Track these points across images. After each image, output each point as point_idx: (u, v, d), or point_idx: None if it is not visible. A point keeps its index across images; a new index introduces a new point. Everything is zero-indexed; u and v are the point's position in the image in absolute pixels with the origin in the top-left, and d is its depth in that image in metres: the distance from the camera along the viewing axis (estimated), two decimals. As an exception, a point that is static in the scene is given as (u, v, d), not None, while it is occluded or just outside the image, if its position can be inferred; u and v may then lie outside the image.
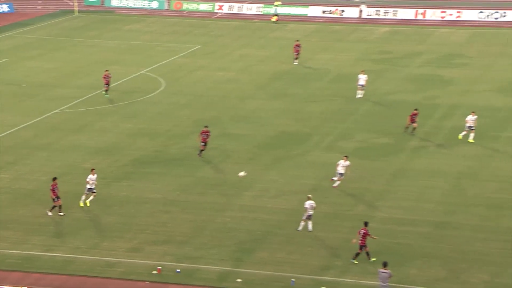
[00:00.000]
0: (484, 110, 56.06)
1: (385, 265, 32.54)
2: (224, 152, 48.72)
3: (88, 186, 41.09)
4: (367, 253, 35.26)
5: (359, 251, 35.34)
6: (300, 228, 38.42)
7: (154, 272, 34.67)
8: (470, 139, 49.87)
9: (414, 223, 39.22)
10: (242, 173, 43.24)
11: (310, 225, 38.38)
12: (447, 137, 51.00)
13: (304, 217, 38.47)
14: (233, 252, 36.50)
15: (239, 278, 34.25)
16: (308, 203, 38.38)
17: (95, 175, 41.39)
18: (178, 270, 34.76)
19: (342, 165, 43.16)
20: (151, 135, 52.35)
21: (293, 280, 33.85)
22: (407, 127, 51.71)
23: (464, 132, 50.14)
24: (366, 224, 35.70)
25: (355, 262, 35.09)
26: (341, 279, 34.10)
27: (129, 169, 46.13)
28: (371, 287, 33.03)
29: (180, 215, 40.33)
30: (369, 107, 58.07)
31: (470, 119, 50.14)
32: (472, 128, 50.00)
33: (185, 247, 36.98)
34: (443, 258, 35.80)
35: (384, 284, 32.14)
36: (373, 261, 34.68)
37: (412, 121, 51.15)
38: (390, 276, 32.24)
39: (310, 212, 38.35)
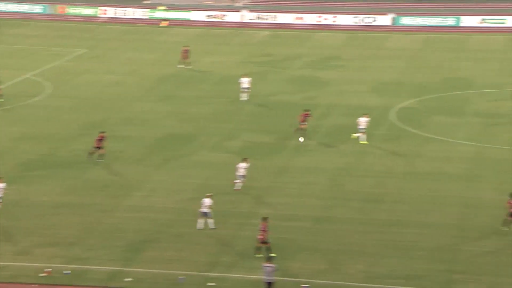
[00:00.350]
0: (359, 110, 57.25)
1: (269, 259, 32.91)
2: (112, 153, 48.25)
3: None
4: (267, 249, 35.45)
5: (260, 245, 35.56)
6: (200, 226, 38.41)
7: (43, 274, 34.07)
8: (362, 141, 50.52)
9: (296, 218, 39.80)
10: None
11: (210, 223, 38.41)
12: (325, 135, 51.89)
13: (201, 215, 38.52)
14: (122, 252, 36.22)
15: (129, 277, 34.02)
16: (205, 201, 38.52)
17: (4, 184, 40.26)
18: (67, 272, 34.25)
19: (242, 167, 43.29)
20: (37, 138, 51.36)
21: (182, 277, 33.86)
22: (298, 129, 51.62)
23: (358, 134, 50.73)
24: (264, 219, 36.01)
25: (259, 256, 35.25)
26: (228, 274, 34.31)
27: (15, 173, 45.11)
28: (257, 282, 33.36)
29: (69, 217, 39.73)
30: (252, 108, 58.57)
31: (362, 121, 50.85)
32: (363, 129, 50.53)
33: (74, 249, 36.47)
34: (324, 251, 36.47)
35: (269, 278, 32.52)
36: (273, 256, 34.84)
37: (303, 121, 51.36)
38: (275, 270, 32.62)
39: (206, 210, 38.42)
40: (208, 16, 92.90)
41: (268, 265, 32.63)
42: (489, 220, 39.16)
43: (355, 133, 50.57)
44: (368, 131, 50.96)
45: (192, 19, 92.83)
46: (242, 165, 43.35)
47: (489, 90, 62.07)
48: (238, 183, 43.24)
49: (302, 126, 51.21)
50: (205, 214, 38.49)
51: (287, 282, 33.52)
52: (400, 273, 34.43)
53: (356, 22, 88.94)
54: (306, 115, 51.59)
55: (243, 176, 43.31)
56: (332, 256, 35.98)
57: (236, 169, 43.32)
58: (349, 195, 42.81)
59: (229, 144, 50.79)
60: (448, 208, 40.81)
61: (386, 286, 33.45)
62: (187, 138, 51.95)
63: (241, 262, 35.27)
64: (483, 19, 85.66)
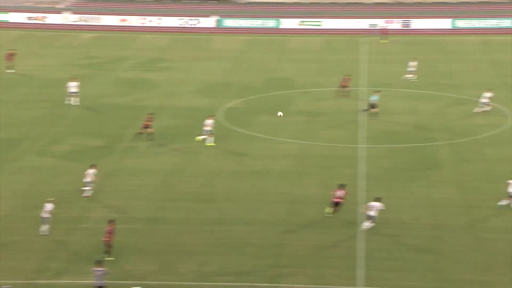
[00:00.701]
0: (187, 111, 57.62)
1: (99, 263, 32.52)
2: None
3: None
4: (106, 252, 34.93)
5: (107, 248, 35.06)
6: (43, 231, 37.48)
7: None
8: (209, 143, 50.52)
9: (127, 220, 39.48)
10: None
11: (45, 229, 37.47)
12: (155, 137, 51.71)
13: (42, 221, 37.63)
14: None
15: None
16: (46, 206, 37.58)
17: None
18: None
19: (90, 174, 42.31)
20: None
21: (9, 286, 32.81)
22: (141, 133, 51.13)
23: (204, 136, 50.67)
24: (110, 222, 35.46)
25: (110, 258, 34.65)
26: (57, 281, 33.61)
27: None
28: (87, 286, 32.85)
29: None
30: (80, 111, 57.56)
31: (208, 123, 50.84)
32: (211, 132, 50.47)
33: None
34: (156, 252, 36.41)
35: (100, 282, 32.11)
36: (109, 259, 34.33)
37: (146, 126, 50.67)
38: (106, 274, 32.26)
39: (46, 215, 37.52)
40: (29, 18, 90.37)
41: (98, 269, 32.23)
42: (314, 214, 40.35)
43: (199, 136, 50.65)
44: (196, 132, 51.27)
45: (11, 20, 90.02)
46: (90, 171, 42.51)
47: (310, 90, 63.92)
48: (87, 190, 42.39)
49: (146, 130, 50.77)
50: (45, 219, 37.58)
51: (119, 285, 33.24)
52: (231, 270, 34.91)
53: (181, 24, 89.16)
54: (150, 119, 51.21)
55: (91, 183, 42.49)
56: (164, 256, 35.98)
57: (84, 176, 42.42)
58: (180, 196, 42.92)
59: (56, 148, 49.72)
60: (275, 205, 41.73)
61: (217, 283, 33.85)
62: (11, 143, 50.43)
63: (71, 268, 34.65)
64: (302, 21, 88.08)
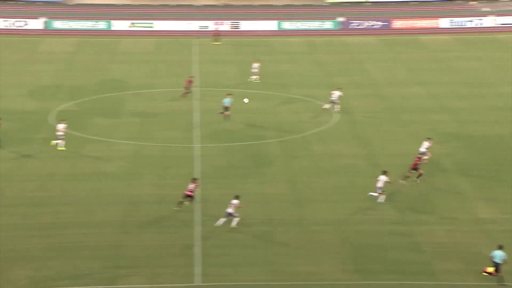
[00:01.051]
0: (17, 114, 56.14)
1: None
2: None
3: None
4: None
5: None
6: None
7: None
8: (60, 147, 49.21)
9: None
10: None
11: None
12: (-17, 142, 50.11)
13: None
14: None
15: None
16: None
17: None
18: None
19: None
20: None
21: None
22: None
23: (57, 141, 49.36)
24: None
25: None
26: None
27: None
28: None
29: None
30: None
31: (59, 128, 49.37)
32: (61, 136, 49.19)
33: None
34: (-12, 259, 35.30)
35: None
36: None
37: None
38: None
39: None
40: None
41: None
42: (150, 214, 40.33)
43: (53, 140, 49.28)
44: (28, 136, 50.02)
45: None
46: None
47: (143, 91, 63.72)
48: None
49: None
50: None
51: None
52: (67, 274, 34.35)
53: (6, 26, 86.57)
54: None
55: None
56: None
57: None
58: (11, 201, 41.75)
59: None
60: (111, 206, 41.37)
61: (53, 288, 33.31)
62: None
63: None
64: (132, 23, 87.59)
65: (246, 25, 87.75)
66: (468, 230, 38.69)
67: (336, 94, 57.61)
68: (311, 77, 68.15)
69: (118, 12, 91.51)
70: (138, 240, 37.57)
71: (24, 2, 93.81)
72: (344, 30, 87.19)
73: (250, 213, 40.36)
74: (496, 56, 75.83)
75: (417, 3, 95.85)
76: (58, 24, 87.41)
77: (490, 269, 33.39)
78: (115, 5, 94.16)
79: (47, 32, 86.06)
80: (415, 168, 43.46)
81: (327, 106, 57.40)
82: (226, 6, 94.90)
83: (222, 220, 38.60)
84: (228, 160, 48.21)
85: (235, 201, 38.63)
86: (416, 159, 43.69)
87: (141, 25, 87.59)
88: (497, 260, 33.36)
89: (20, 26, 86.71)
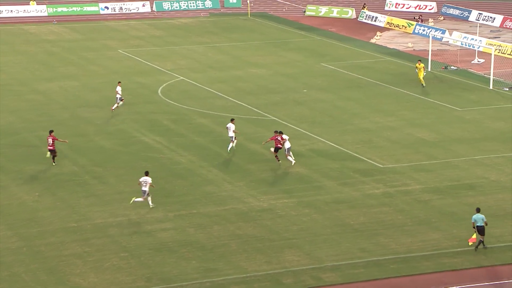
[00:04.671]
0: None
1: None
2: None
3: None
4: None
5: None
6: None
7: None
8: None
9: None
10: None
11: None
12: None
13: None
14: None
15: None
16: None
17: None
18: None
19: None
20: None
21: None
22: None
23: None
24: None
25: None
26: None
27: None
28: None
29: None
30: None
31: None
32: None
33: None
34: None
35: None
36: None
37: None
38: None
39: None
40: None
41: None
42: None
43: None
44: None
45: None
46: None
47: None
48: None
49: None
50: None
51: None
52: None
53: None
54: None
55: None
56: None
57: None
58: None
59: None
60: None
61: None
62: None
63: None
64: None
65: None
66: None
67: (119, 89, 51.72)
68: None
69: None
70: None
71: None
72: None
73: None
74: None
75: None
76: None
77: (474, 236, 32.18)
78: None
79: None
80: None
81: (117, 104, 51.70)
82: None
83: (139, 199, 36.72)
84: None
85: (146, 178, 36.55)
86: None
87: None
88: (480, 223, 32.60)
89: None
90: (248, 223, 35.75)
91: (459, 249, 33.34)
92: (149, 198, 37.34)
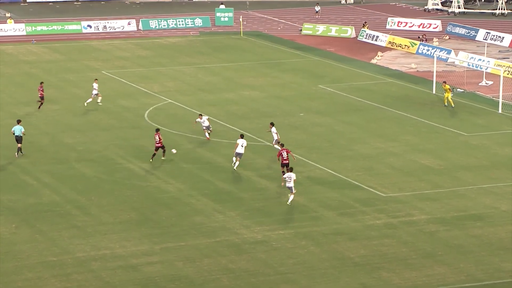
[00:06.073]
0: None
1: None
2: None
3: None
4: None
5: None
6: None
7: None
8: None
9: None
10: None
11: None
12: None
13: None
14: None
15: None
16: None
17: None
18: None
19: None
20: None
21: None
22: None
23: None
24: None
25: None
26: None
27: None
28: None
29: None
30: None
31: None
32: None
33: None
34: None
35: None
36: None
37: None
38: None
39: None
40: None
41: None
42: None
43: None
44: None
45: None
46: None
47: None
48: None
49: None
50: None
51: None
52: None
53: None
54: None
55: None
56: None
57: None
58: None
59: None
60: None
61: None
62: None
63: None
64: None
65: None
66: None
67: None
68: None
69: None
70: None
71: None
72: None
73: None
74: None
75: None
76: None
77: None
78: None
79: None
80: None
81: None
82: None
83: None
84: None
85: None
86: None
87: None
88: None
89: None
90: (241, 256, 35.70)
91: (466, 285, 33.33)
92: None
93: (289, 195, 41.17)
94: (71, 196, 42.45)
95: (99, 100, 58.48)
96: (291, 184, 40.72)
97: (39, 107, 57.94)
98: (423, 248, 36.50)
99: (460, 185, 44.06)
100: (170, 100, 61.22)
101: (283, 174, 43.23)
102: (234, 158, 46.19)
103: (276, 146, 47.46)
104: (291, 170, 41.28)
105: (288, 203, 41.11)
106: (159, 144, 47.03)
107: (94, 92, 58.01)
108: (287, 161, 43.79)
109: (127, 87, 65.34)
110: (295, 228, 38.54)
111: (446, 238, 37.50)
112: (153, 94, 62.82)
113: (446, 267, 34.66)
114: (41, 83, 58.86)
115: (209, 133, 51.00)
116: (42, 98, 57.90)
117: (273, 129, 48.18)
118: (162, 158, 47.39)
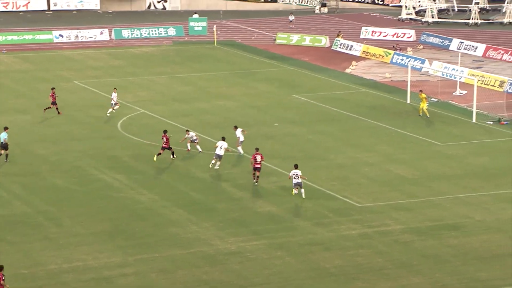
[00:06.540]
0: None
1: None
2: None
3: None
4: None
5: None
6: None
7: None
8: None
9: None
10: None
11: None
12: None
13: None
14: None
15: None
16: None
17: None
18: None
19: None
20: None
21: None
22: None
23: None
24: None
25: None
26: None
27: None
28: None
29: None
30: None
31: None
32: None
33: None
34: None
35: None
36: None
37: None
38: None
39: None
40: None
41: None
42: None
43: None
44: None
45: None
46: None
47: None
48: None
49: None
50: None
51: None
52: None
53: None
54: None
55: None
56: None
57: None
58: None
59: None
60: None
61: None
62: None
63: None
64: None
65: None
66: None
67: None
68: None
69: None
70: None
71: None
72: None
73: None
74: None
75: None
76: None
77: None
78: None
79: None
80: None
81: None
82: None
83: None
84: None
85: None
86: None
87: None
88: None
89: None
90: (215, 267, 35.68)
91: (442, 294, 33.47)
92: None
93: (297, 191, 43.00)
94: (43, 208, 42.26)
95: (115, 109, 58.85)
96: (298, 180, 42.51)
97: (58, 111, 58.57)
98: (398, 258, 36.66)
99: (434, 195, 44.33)
100: (143, 110, 61.12)
101: (253, 177, 44.46)
102: (213, 160, 46.80)
103: (239, 148, 48.60)
104: (296, 167, 42.92)
105: (303, 197, 42.90)
106: (166, 145, 48.11)
107: (113, 101, 58.46)
108: (259, 165, 44.58)
109: (100, 97, 65.16)
110: (270, 238, 38.58)
111: (421, 248, 37.69)
112: (126, 104, 62.66)
113: (421, 277, 34.82)
114: (53, 88, 59.17)
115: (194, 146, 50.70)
116: (53, 103, 58.27)
117: (238, 132, 49.34)
118: (172, 158, 49.03)
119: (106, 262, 36.05)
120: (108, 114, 58.41)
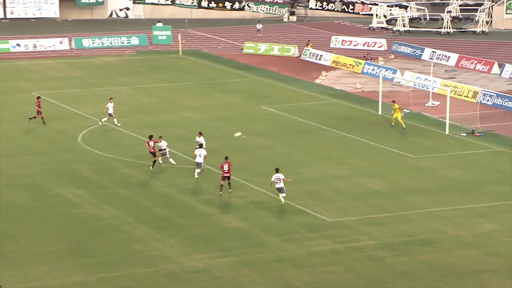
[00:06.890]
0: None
1: None
2: None
3: None
4: None
5: None
6: None
7: None
8: None
9: None
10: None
11: None
12: None
13: None
14: None
15: None
16: None
17: None
18: None
19: None
20: None
21: None
22: None
23: None
24: None
25: None
26: None
27: None
28: None
29: None
30: None
31: None
32: None
33: None
34: None
35: None
36: None
37: None
38: None
39: None
40: None
41: None
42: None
43: None
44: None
45: None
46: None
47: None
48: None
49: None
50: None
51: None
52: None
53: None
54: None
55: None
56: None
57: None
58: None
59: None
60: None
61: None
62: None
63: None
64: None
65: None
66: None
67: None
68: None
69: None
70: None
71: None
72: None
73: None
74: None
75: None
76: None
77: None
78: None
79: None
80: None
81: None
82: None
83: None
84: None
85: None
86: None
87: None
88: None
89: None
90: (181, 286, 35.51)
91: (416, 312, 33.52)
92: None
93: (279, 197, 44.09)
94: None
95: (105, 119, 59.43)
96: (281, 185, 43.50)
97: (43, 121, 59.11)
98: (370, 275, 36.70)
99: (407, 209, 44.47)
100: (105, 122, 60.78)
101: (220, 189, 44.97)
102: (197, 169, 48.00)
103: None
104: (277, 170, 43.86)
105: (282, 203, 43.99)
106: (153, 150, 49.12)
107: (110, 111, 58.89)
108: (228, 174, 44.98)
109: (59, 109, 64.78)
110: (238, 255, 38.46)
111: (393, 264, 37.77)
112: (87, 116, 62.35)
113: (394, 294, 34.86)
114: (38, 97, 59.76)
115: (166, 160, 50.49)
116: (38, 113, 58.74)
117: (201, 138, 50.36)
118: (151, 168, 49.72)
119: (67, 281, 35.74)
120: (101, 122, 59.54)
